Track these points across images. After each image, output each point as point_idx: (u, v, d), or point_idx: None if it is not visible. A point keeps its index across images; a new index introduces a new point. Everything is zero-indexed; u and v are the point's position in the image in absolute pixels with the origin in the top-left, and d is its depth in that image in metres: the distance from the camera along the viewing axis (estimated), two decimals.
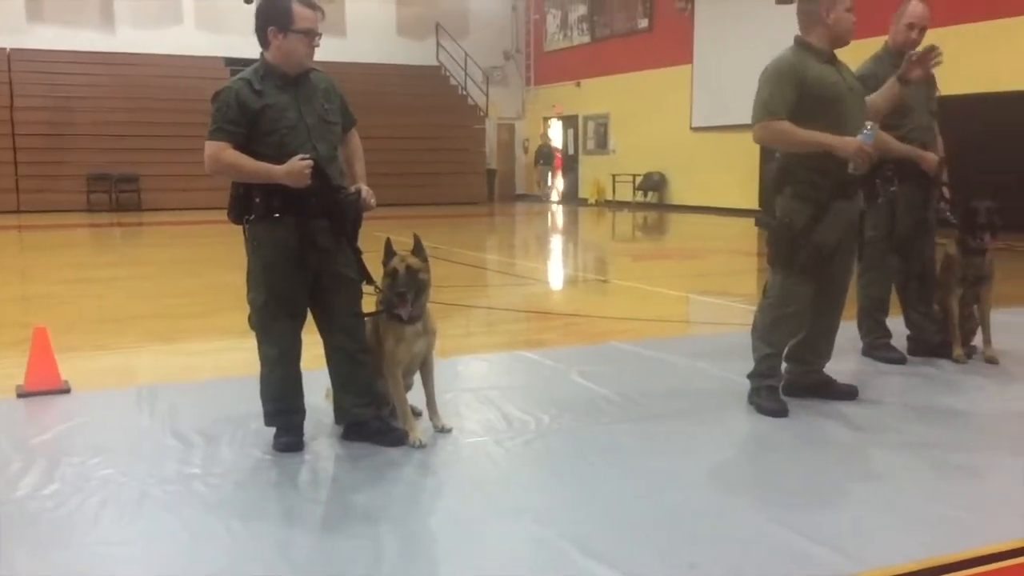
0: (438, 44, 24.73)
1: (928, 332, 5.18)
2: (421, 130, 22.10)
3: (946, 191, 5.15)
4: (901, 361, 5.04)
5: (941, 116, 5.16)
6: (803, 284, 4.11)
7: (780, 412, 4.12)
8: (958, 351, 5.07)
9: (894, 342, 5.16)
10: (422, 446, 3.64)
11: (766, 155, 17.80)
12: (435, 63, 24.83)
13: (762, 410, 4.15)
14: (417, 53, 24.39)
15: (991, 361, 5.04)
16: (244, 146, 3.50)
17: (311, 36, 3.56)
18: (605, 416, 4.13)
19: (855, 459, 3.66)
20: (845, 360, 5.04)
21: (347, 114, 3.83)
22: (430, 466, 3.50)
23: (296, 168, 3.44)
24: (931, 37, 4.76)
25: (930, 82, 5.00)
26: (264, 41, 3.57)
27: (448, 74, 24.95)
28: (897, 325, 5.21)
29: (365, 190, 3.70)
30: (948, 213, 5.10)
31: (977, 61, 13.61)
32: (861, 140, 3.87)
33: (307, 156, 3.46)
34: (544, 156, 24.92)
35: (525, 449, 3.69)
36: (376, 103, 21.63)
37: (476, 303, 7.97)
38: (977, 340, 5.21)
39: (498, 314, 7.61)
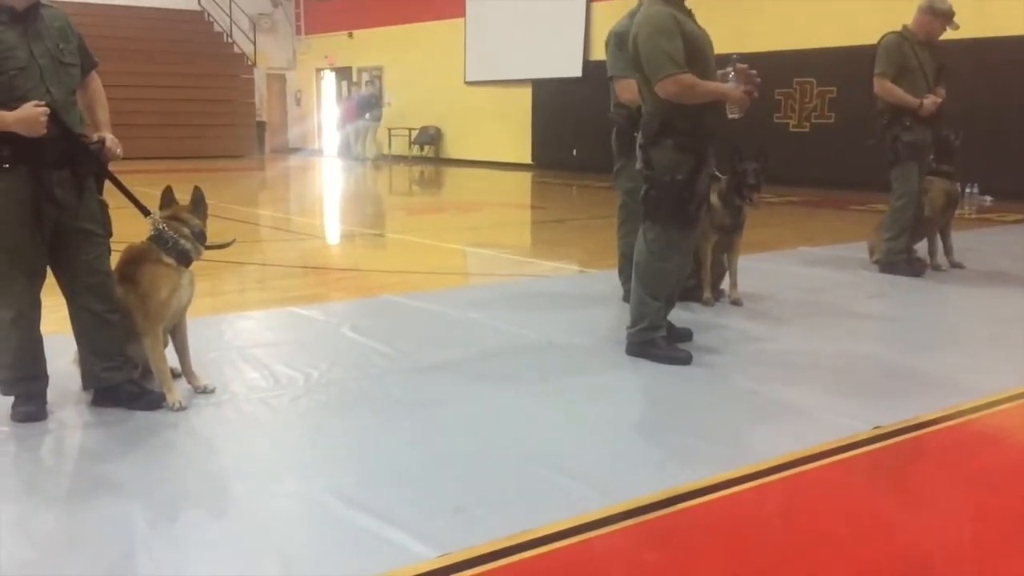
0: None
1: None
2: (184, 79, 20.84)
3: None
4: None
5: None
6: (688, 235, 4.26)
7: (686, 359, 4.21)
8: (707, 294, 5.43)
9: None
10: (182, 408, 3.47)
11: (540, 110, 18.38)
12: (197, 8, 23.44)
13: (667, 359, 4.19)
14: None
15: (736, 303, 5.44)
16: None
17: None
18: (375, 368, 4.10)
19: (617, 397, 3.85)
20: (608, 307, 5.28)
21: (86, 55, 3.52)
22: (190, 429, 3.34)
23: (30, 115, 3.13)
24: None
25: None
26: None
27: (212, 20, 23.63)
28: None
29: (109, 138, 3.44)
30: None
31: (726, 23, 14.49)
32: (736, 86, 4.01)
33: (42, 103, 3.16)
34: (367, 106, 20.58)
35: (292, 406, 3.60)
36: (132, 48, 20.26)
37: (248, 260, 7.68)
38: (724, 284, 5.60)
39: (271, 270, 7.37)
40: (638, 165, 4.27)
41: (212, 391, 3.67)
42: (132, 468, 2.98)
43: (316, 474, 2.93)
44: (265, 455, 3.12)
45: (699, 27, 4.17)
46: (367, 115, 20.37)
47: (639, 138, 4.22)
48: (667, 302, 4.36)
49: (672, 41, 3.96)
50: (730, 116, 4.07)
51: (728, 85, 4.03)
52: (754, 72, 4.05)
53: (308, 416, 3.54)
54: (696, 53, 4.04)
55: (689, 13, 4.16)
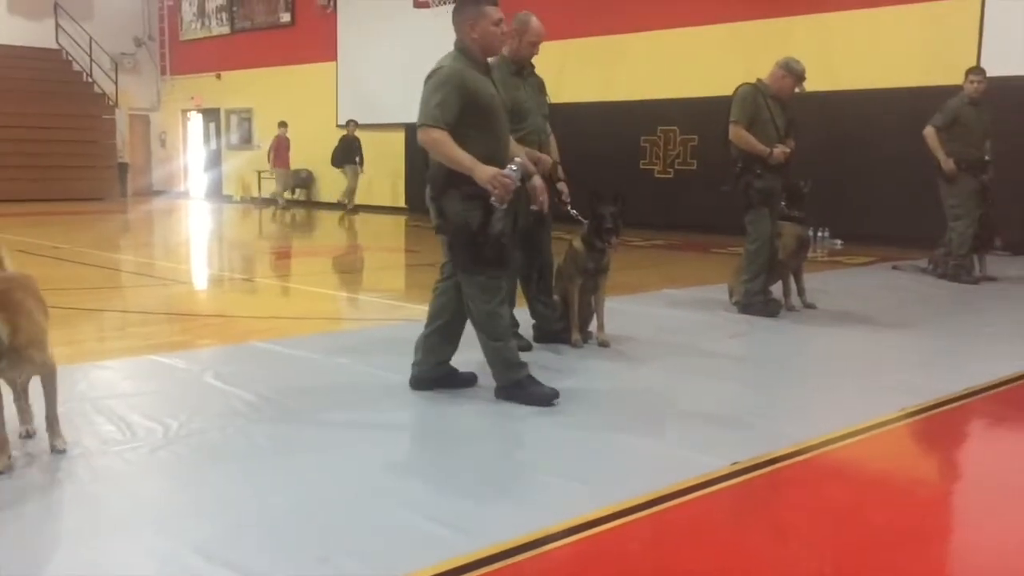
0: (57, 25, 22.54)
1: (550, 320, 5.60)
2: (40, 119, 20.05)
3: (564, 187, 5.57)
4: (527, 348, 5.38)
5: (560, 121, 5.62)
6: (497, 275, 4.25)
7: (551, 393, 4.25)
8: (576, 336, 5.54)
9: (521, 331, 5.51)
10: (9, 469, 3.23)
11: (417, 155, 18.32)
12: (55, 46, 22.62)
13: (536, 399, 4.22)
14: (33, 34, 22.04)
15: (604, 344, 5.56)
16: None
17: None
18: (239, 417, 3.99)
19: (482, 441, 3.88)
20: (474, 350, 5.30)
21: None
22: (36, 488, 3.15)
23: None
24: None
25: (541, 89, 5.45)
26: None
27: (71, 59, 22.83)
28: (523, 315, 5.58)
29: None
30: (572, 210, 5.51)
31: (595, 73, 14.98)
32: (504, 171, 4.01)
33: None
34: (348, 153, 18.40)
35: (149, 458, 3.46)
36: None
37: (108, 307, 7.39)
38: (592, 326, 5.72)
39: (132, 317, 7.10)
40: (433, 218, 4.30)
41: (63, 451, 3.47)
42: None
43: (175, 530, 2.82)
44: (119, 512, 2.98)
45: (495, 87, 4.29)
46: (356, 159, 18.39)
47: (428, 191, 4.28)
48: (508, 343, 4.37)
49: (448, 96, 4.04)
50: (491, 202, 4.05)
51: (486, 168, 3.99)
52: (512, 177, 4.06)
53: (166, 469, 3.42)
54: (480, 112, 4.13)
55: (486, 71, 4.29)
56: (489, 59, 4.42)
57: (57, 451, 3.47)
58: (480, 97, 4.15)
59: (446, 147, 4.04)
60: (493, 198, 4.02)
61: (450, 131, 4.04)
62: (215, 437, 3.73)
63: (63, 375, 3.73)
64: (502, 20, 4.24)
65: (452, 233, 4.19)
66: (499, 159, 4.16)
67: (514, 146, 5.12)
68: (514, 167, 4.08)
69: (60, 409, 3.69)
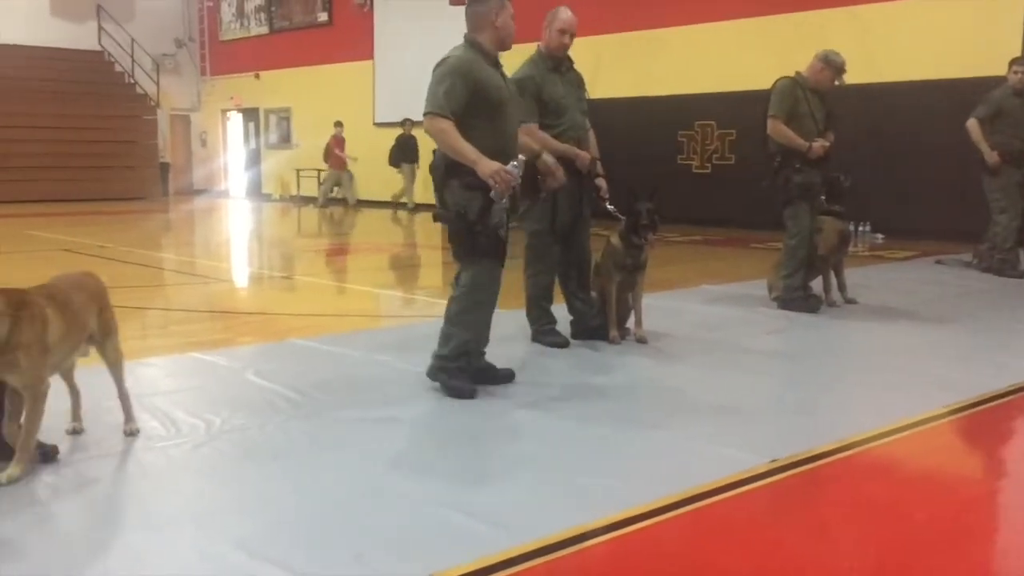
0: (100, 27, 22.89)
1: (587, 317, 5.59)
2: (84, 120, 20.39)
3: (603, 183, 5.55)
4: (564, 344, 5.39)
5: (597, 117, 5.61)
6: (491, 269, 4.26)
7: (469, 392, 4.25)
8: (613, 333, 5.52)
9: (558, 327, 5.52)
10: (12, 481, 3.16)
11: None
12: (97, 48, 22.98)
13: (451, 389, 4.26)
14: (76, 36, 22.39)
15: (641, 341, 5.54)
16: None
17: None
18: (279, 414, 4.04)
19: (518, 437, 3.89)
20: (515, 346, 5.32)
21: None
22: (84, 482, 3.21)
23: None
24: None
25: (580, 84, 5.43)
26: None
27: (113, 60, 23.18)
28: (560, 311, 5.58)
29: None
30: (610, 206, 5.50)
31: (631, 68, 14.91)
32: (506, 167, 4.02)
33: None
34: (406, 152, 18.31)
35: (191, 454, 3.52)
36: (30, 88, 19.82)
37: (150, 304, 7.51)
38: (629, 322, 5.70)
39: (174, 315, 7.21)
40: (438, 207, 4.35)
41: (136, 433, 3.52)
42: (21, 526, 2.86)
43: (216, 525, 2.87)
44: (163, 506, 3.04)
45: (504, 80, 4.33)
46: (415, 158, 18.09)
47: (433, 182, 4.32)
48: (474, 338, 4.40)
49: (455, 84, 4.08)
50: (491, 196, 4.06)
51: (490, 162, 4.00)
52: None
53: (209, 465, 3.46)
54: (488, 104, 4.17)
55: (496, 64, 4.32)
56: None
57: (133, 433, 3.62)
58: (488, 89, 4.18)
59: (450, 137, 4.06)
60: (493, 192, 4.04)
61: (456, 121, 4.07)
62: (255, 433, 3.77)
63: (108, 372, 3.78)
64: (515, 16, 4.33)
65: (451, 222, 4.23)
66: (506, 152, 4.17)
67: (552, 142, 5.15)
68: (516, 163, 4.10)
69: (106, 404, 3.77)
